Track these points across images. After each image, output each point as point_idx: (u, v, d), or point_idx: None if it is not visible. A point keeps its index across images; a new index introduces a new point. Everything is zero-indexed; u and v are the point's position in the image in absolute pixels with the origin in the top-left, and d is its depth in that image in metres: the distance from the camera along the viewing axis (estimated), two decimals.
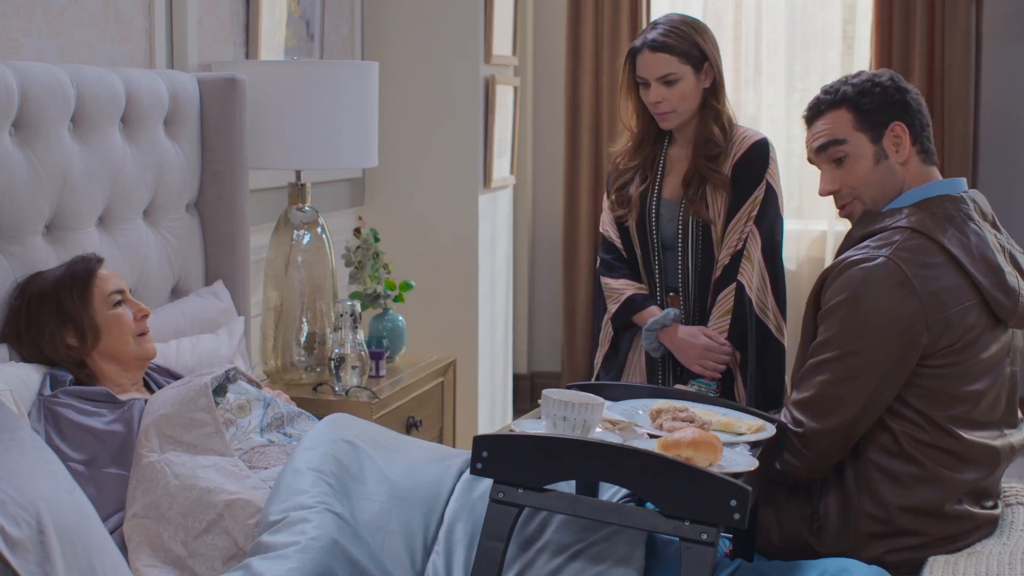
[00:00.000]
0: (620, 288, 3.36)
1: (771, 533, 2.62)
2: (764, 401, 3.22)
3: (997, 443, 2.58)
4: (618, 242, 3.38)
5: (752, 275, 3.23)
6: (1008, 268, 2.59)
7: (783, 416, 2.57)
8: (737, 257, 3.23)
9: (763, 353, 3.23)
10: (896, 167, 2.65)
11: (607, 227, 3.43)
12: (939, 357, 2.51)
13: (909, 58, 5.70)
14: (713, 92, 3.26)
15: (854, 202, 2.70)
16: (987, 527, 2.57)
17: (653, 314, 3.30)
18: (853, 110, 2.65)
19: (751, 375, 3.22)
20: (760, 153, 3.25)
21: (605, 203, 3.45)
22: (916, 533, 2.51)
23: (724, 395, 3.24)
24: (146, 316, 2.77)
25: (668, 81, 3.21)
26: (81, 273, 2.71)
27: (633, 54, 3.26)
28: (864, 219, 2.66)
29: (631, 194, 3.33)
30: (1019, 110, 5.81)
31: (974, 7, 5.64)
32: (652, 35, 3.24)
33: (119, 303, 2.73)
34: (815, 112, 2.72)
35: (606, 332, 3.43)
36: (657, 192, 3.31)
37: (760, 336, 3.22)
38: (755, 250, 3.22)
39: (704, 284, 3.28)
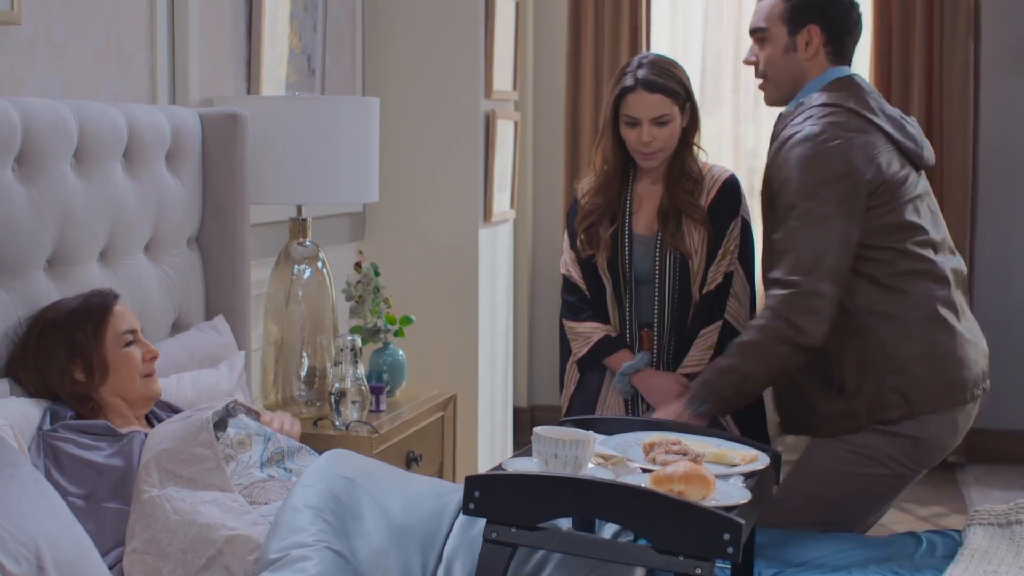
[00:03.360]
0: (587, 332, 3.34)
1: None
2: (749, 420, 3.25)
3: (952, 264, 3.08)
4: (581, 283, 3.36)
5: (739, 312, 3.25)
6: (908, 120, 3.12)
7: (770, 300, 2.93)
8: (722, 294, 3.24)
9: None
10: (802, 61, 3.11)
11: (569, 267, 3.39)
12: (879, 196, 2.96)
13: (908, 90, 5.73)
14: (692, 129, 3.29)
15: (764, 81, 3.18)
16: None
17: (625, 358, 3.30)
18: (785, 2, 3.11)
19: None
20: (732, 190, 3.29)
21: (565, 243, 3.42)
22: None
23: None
24: (155, 358, 2.79)
25: (661, 122, 3.21)
26: (96, 308, 2.72)
27: (623, 94, 3.24)
28: (780, 120, 3.11)
29: (600, 234, 3.31)
30: (1018, 142, 5.84)
31: (972, 40, 5.68)
32: (644, 74, 3.21)
33: (130, 343, 2.75)
34: None
35: (571, 375, 3.41)
36: (628, 229, 3.31)
37: None
38: (740, 287, 3.26)
39: (680, 318, 3.28)
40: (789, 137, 2.99)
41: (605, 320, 3.34)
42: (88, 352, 2.68)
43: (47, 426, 2.58)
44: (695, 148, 3.32)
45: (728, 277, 3.26)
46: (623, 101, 3.23)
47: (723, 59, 5.97)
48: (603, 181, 3.33)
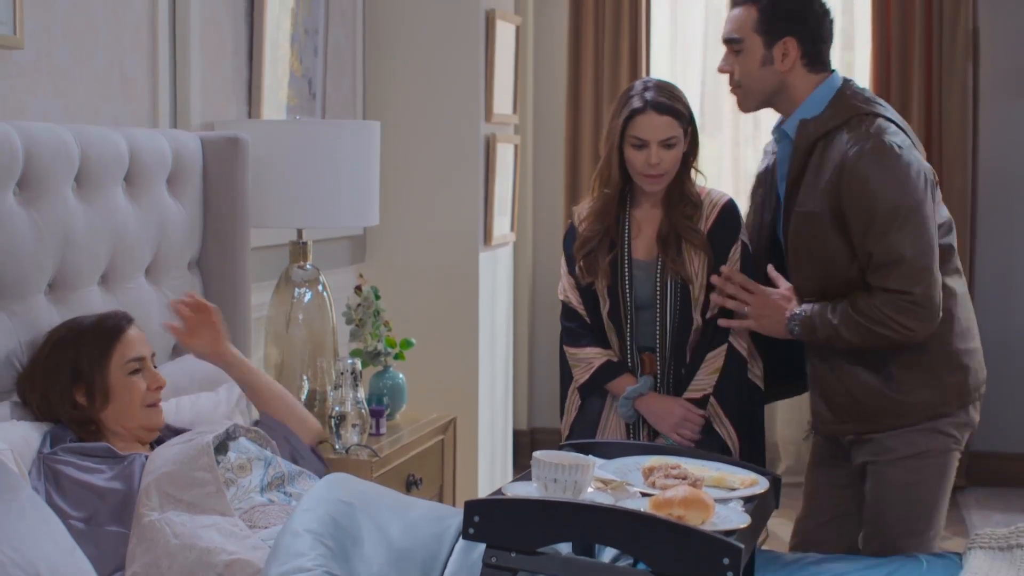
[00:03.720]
0: (589, 357, 3.33)
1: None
2: (749, 435, 3.28)
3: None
4: (581, 308, 3.34)
5: (743, 335, 3.25)
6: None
7: (885, 306, 2.95)
8: (725, 318, 3.24)
9: (747, 401, 3.29)
10: (779, 73, 3.09)
11: (568, 293, 3.38)
12: (935, 194, 3.04)
13: (907, 115, 5.74)
14: (692, 153, 3.28)
15: (738, 89, 3.15)
16: None
17: (628, 382, 3.29)
18: (759, 11, 3.07)
19: (736, 422, 3.26)
20: (731, 214, 3.29)
21: (563, 269, 3.40)
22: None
23: (712, 442, 3.25)
24: (160, 387, 2.78)
25: (669, 144, 3.20)
26: (107, 332, 2.73)
27: (632, 115, 3.21)
28: (806, 129, 3.05)
29: (599, 260, 3.30)
30: (1017, 166, 5.85)
31: (971, 64, 5.70)
32: (652, 96, 3.20)
33: (136, 371, 2.74)
34: (733, 1, 3.16)
35: (572, 401, 3.39)
36: (628, 255, 3.30)
37: (747, 391, 3.28)
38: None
39: (681, 343, 3.27)
40: (858, 155, 2.95)
41: (606, 345, 3.33)
42: (91, 376, 2.68)
43: (47, 449, 2.58)
44: (693, 172, 3.32)
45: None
46: (632, 123, 3.20)
47: (722, 82, 5.87)
48: (601, 206, 3.32)
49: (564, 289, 3.40)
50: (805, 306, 3.07)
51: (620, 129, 3.22)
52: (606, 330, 3.33)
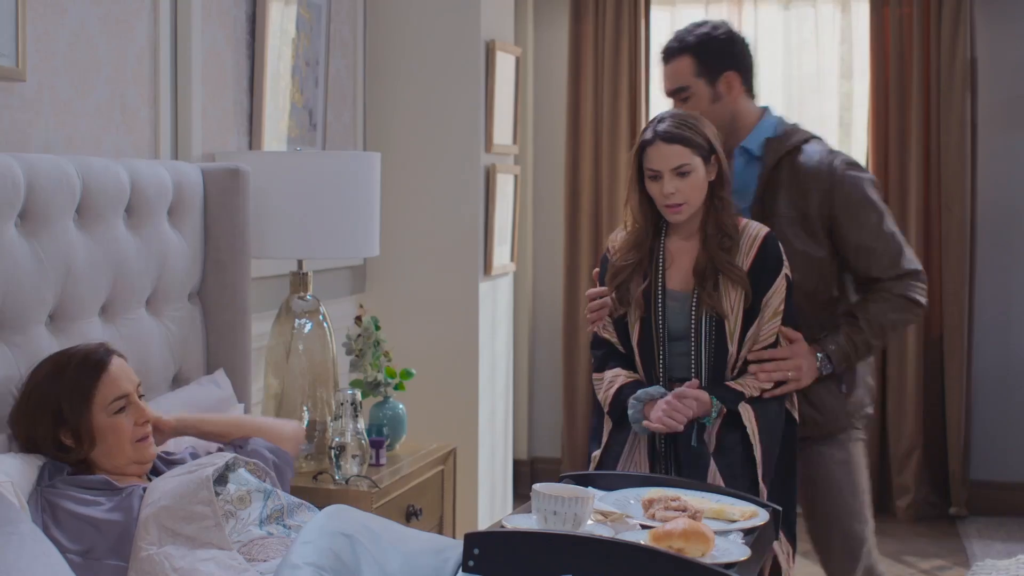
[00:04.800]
0: (611, 377, 3.27)
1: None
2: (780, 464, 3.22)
3: None
4: (613, 337, 3.31)
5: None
6: None
7: (912, 291, 3.36)
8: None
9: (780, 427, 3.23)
10: (729, 105, 3.43)
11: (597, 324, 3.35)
12: None
13: (905, 146, 5.77)
14: (720, 183, 3.23)
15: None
16: None
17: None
18: (694, 58, 3.40)
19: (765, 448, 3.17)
20: (772, 249, 3.22)
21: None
22: None
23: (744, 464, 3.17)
24: (147, 422, 2.74)
25: (681, 172, 3.15)
26: (88, 372, 2.68)
27: (644, 147, 3.21)
28: (772, 146, 3.42)
29: (632, 292, 3.27)
30: (1015, 197, 5.87)
31: (969, 95, 5.72)
32: (663, 127, 3.19)
33: (121, 410, 2.71)
34: (666, 56, 3.49)
35: (606, 427, 3.32)
36: (662, 284, 3.26)
37: (785, 423, 3.24)
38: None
39: (717, 376, 3.19)
40: (840, 164, 3.39)
41: (632, 370, 3.28)
42: (75, 422, 2.64)
43: (46, 480, 2.57)
44: (729, 203, 3.25)
45: (776, 338, 3.21)
46: (644, 155, 3.19)
47: None
48: (635, 238, 3.28)
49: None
50: (826, 344, 3.32)
51: (634, 163, 3.22)
52: (636, 360, 3.29)
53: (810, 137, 3.45)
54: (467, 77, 4.91)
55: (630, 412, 3.19)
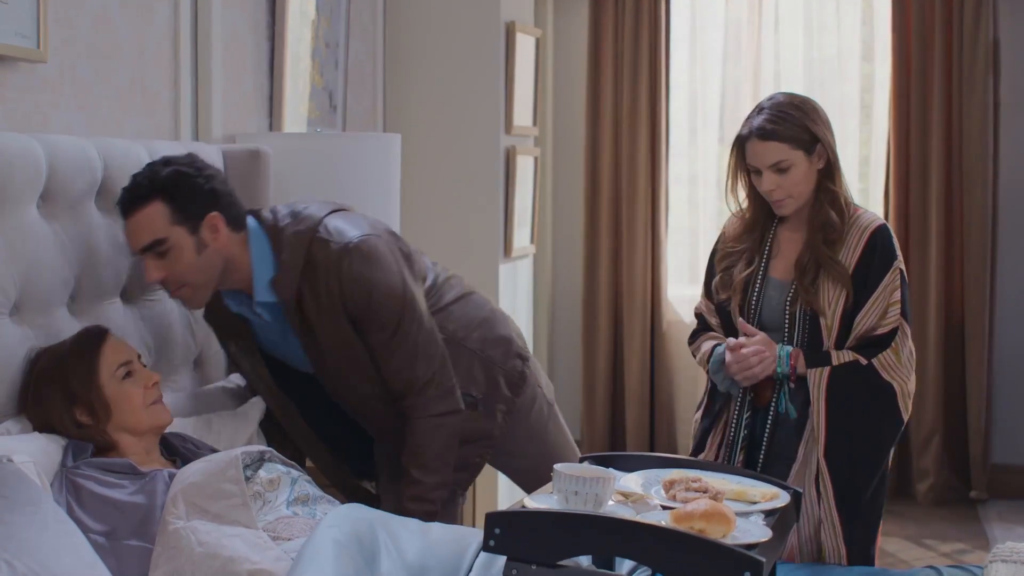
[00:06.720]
0: (706, 344, 3.22)
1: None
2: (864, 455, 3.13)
3: None
4: (714, 320, 3.26)
5: (896, 369, 3.11)
6: None
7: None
8: (884, 342, 3.09)
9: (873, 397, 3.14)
10: (219, 252, 2.86)
11: (702, 309, 3.31)
12: None
13: (927, 128, 5.74)
14: (828, 173, 3.11)
15: (183, 288, 2.86)
16: None
17: None
18: (168, 204, 2.79)
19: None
20: (881, 243, 3.10)
21: (702, 290, 3.34)
22: None
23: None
24: (156, 383, 2.76)
25: (780, 168, 3.06)
26: (87, 349, 2.70)
27: (741, 142, 3.13)
28: (282, 285, 2.87)
29: (735, 277, 3.20)
30: None
31: (992, 77, 5.69)
32: (759, 122, 3.09)
33: (127, 375, 2.73)
34: (129, 206, 2.80)
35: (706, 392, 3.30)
36: (764, 272, 3.18)
37: (883, 420, 3.16)
38: (903, 345, 3.12)
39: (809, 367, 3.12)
40: (353, 272, 2.91)
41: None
42: (86, 395, 2.65)
43: (69, 461, 2.59)
44: (839, 193, 3.13)
45: (893, 331, 3.10)
46: (744, 150, 3.12)
47: (742, 95, 5.99)
48: (747, 225, 3.23)
49: (700, 308, 3.33)
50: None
51: (735, 155, 3.16)
52: None
53: (311, 243, 2.91)
54: (487, 59, 4.90)
55: (716, 381, 3.20)
